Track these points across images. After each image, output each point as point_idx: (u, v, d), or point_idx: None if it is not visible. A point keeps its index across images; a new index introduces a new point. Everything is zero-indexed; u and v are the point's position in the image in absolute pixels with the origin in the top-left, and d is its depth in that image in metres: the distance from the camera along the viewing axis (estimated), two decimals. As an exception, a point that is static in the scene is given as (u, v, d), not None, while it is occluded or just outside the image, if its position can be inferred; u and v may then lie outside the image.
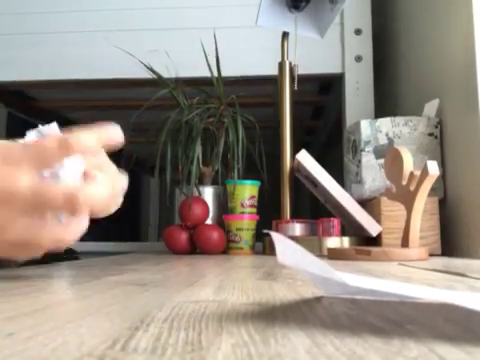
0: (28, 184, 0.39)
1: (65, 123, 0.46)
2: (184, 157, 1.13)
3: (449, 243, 0.95)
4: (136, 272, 0.54)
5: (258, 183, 1.12)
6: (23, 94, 1.80)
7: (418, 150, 1.01)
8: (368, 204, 1.00)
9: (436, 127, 1.02)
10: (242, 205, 1.09)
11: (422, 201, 0.77)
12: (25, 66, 1.47)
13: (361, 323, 0.23)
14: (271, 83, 1.26)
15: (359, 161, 1.03)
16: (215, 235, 1.04)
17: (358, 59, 1.41)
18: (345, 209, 0.94)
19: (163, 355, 0.17)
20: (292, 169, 1.13)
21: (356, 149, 1.05)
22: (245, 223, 1.07)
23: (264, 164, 1.18)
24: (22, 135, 0.45)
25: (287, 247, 0.23)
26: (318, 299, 0.31)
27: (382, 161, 0.99)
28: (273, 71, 1.21)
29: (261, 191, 1.14)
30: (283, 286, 0.38)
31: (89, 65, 1.45)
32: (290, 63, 1.18)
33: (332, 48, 1.42)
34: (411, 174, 0.77)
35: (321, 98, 1.78)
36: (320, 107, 1.89)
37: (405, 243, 0.79)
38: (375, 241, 0.93)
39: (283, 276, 0.47)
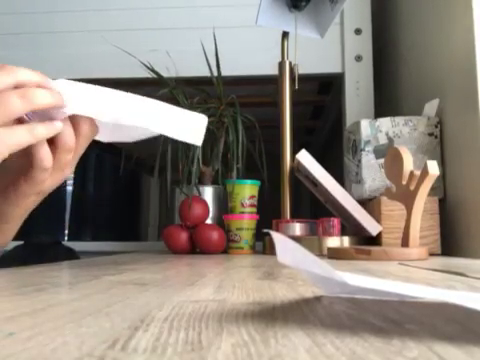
0: None
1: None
2: (184, 157, 1.13)
3: (449, 243, 0.95)
4: (136, 272, 0.54)
5: (258, 183, 1.12)
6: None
7: (418, 150, 1.01)
8: (368, 204, 1.00)
9: (436, 127, 1.02)
10: (242, 205, 1.09)
11: (422, 201, 0.77)
12: (25, 66, 1.47)
13: (361, 323, 0.23)
14: (271, 83, 1.26)
15: (359, 161, 1.03)
16: (215, 235, 1.04)
17: (358, 59, 1.41)
18: (345, 209, 0.94)
19: (163, 355, 0.17)
20: (292, 169, 1.13)
21: (356, 149, 1.05)
22: (245, 223, 1.07)
23: (264, 164, 1.18)
24: None
25: (287, 247, 0.23)
26: (318, 299, 0.31)
27: (382, 161, 0.99)
28: (273, 71, 1.21)
29: (261, 191, 1.14)
30: (283, 286, 0.38)
31: (89, 65, 1.45)
32: (290, 63, 1.18)
33: (332, 48, 1.42)
34: (411, 174, 0.77)
35: (321, 98, 1.78)
36: (320, 107, 1.89)
37: (405, 243, 0.79)
38: (375, 241, 0.93)
39: (283, 276, 0.47)
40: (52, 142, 0.47)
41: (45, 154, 0.46)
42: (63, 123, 0.47)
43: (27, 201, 0.51)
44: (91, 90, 0.47)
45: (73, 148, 0.48)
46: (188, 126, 0.52)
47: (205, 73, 1.21)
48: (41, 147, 0.46)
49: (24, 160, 0.48)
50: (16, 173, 0.49)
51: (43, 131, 0.44)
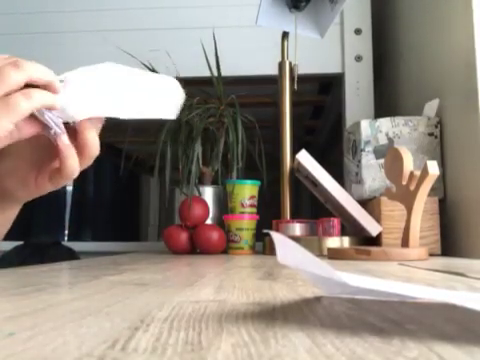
0: None
1: (66, 123, 0.48)
2: (184, 157, 1.13)
3: (449, 243, 0.95)
4: (136, 272, 0.54)
5: (258, 183, 1.12)
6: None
7: (418, 150, 1.01)
8: (368, 204, 1.00)
9: (436, 127, 1.02)
10: (242, 205, 1.09)
11: (422, 201, 0.77)
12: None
13: (361, 323, 0.23)
14: (271, 83, 1.26)
15: (359, 161, 1.03)
16: (215, 235, 1.04)
17: (358, 59, 1.41)
18: (345, 209, 0.94)
19: (163, 355, 0.17)
20: (292, 169, 1.13)
21: (356, 149, 1.05)
22: (245, 223, 1.07)
23: (264, 164, 1.18)
24: None
25: (287, 247, 0.23)
26: (318, 299, 0.31)
27: (382, 161, 0.99)
28: (273, 71, 1.21)
29: (261, 191, 1.14)
30: (283, 286, 0.38)
31: (89, 65, 1.45)
32: (290, 63, 1.18)
33: (332, 48, 1.42)
34: (411, 174, 0.77)
35: (321, 98, 1.78)
36: (320, 107, 1.89)
37: (405, 243, 0.79)
38: (375, 241, 0.93)
39: (283, 276, 0.47)
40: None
41: (76, 165, 0.47)
42: (89, 133, 0.47)
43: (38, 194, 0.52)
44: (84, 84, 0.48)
45: (96, 154, 0.49)
46: (165, 99, 0.52)
47: (205, 73, 1.21)
48: (73, 158, 0.46)
49: (43, 153, 0.48)
50: (36, 164, 0.50)
51: (41, 95, 0.43)
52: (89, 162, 0.49)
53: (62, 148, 0.46)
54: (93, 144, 0.48)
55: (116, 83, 0.49)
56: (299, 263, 0.25)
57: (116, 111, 0.48)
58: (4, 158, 0.49)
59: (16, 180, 0.50)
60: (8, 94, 0.42)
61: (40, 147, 0.49)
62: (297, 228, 1.02)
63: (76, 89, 0.47)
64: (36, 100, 0.43)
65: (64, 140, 0.46)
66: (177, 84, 0.54)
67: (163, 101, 0.52)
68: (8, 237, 0.58)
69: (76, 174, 0.48)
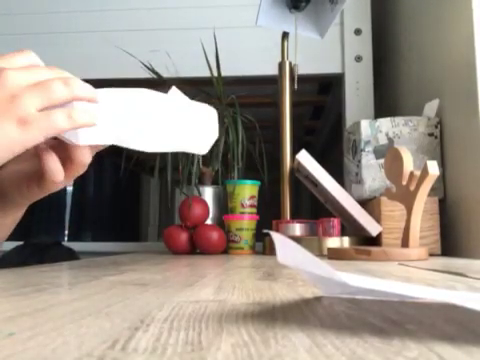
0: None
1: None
2: (184, 157, 1.13)
3: (449, 243, 0.95)
4: (136, 272, 0.54)
5: (258, 183, 1.12)
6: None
7: (418, 150, 1.01)
8: (368, 204, 1.00)
9: (436, 127, 1.02)
10: (242, 205, 1.09)
11: (422, 201, 0.77)
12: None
13: (361, 323, 0.23)
14: (271, 83, 1.26)
15: (359, 161, 1.03)
16: (215, 235, 1.04)
17: (358, 59, 1.41)
18: (345, 209, 0.94)
19: (163, 355, 0.17)
20: (292, 169, 1.13)
21: (356, 149, 1.05)
22: (245, 223, 1.07)
23: (264, 164, 1.18)
24: None
25: (287, 247, 0.23)
26: (318, 299, 0.31)
27: (382, 161, 0.99)
28: (273, 71, 1.21)
29: (261, 191, 1.14)
30: (283, 286, 0.38)
31: (89, 65, 1.45)
32: (290, 63, 1.18)
33: (332, 48, 1.42)
34: (411, 174, 0.77)
35: (321, 98, 1.78)
36: (320, 107, 1.89)
37: (405, 243, 0.79)
38: (375, 241, 0.93)
39: (283, 276, 0.47)
40: (65, 156, 0.48)
41: (56, 169, 0.46)
42: (79, 146, 0.47)
43: (32, 200, 0.52)
44: (106, 109, 0.46)
45: (87, 164, 0.49)
46: (200, 133, 0.51)
47: (205, 73, 1.21)
48: (52, 162, 0.46)
49: (38, 164, 0.48)
50: (31, 175, 0.50)
51: (82, 116, 0.43)
52: (81, 170, 0.49)
53: (39, 153, 0.46)
54: (83, 155, 0.47)
55: (140, 113, 0.47)
56: (299, 263, 0.25)
57: (128, 142, 0.46)
58: (10, 161, 0.49)
59: (13, 184, 0.51)
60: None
61: (31, 153, 0.49)
62: (297, 228, 1.02)
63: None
64: (76, 122, 0.43)
65: (41, 146, 0.45)
66: (214, 115, 0.52)
67: (192, 137, 0.50)
68: (8, 237, 0.58)
69: (60, 179, 0.47)
